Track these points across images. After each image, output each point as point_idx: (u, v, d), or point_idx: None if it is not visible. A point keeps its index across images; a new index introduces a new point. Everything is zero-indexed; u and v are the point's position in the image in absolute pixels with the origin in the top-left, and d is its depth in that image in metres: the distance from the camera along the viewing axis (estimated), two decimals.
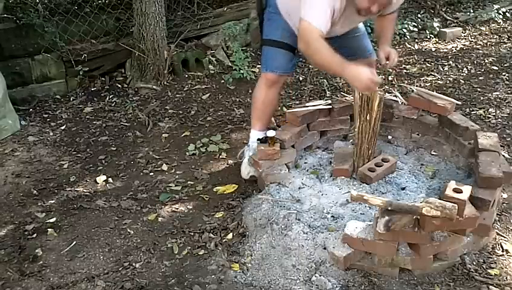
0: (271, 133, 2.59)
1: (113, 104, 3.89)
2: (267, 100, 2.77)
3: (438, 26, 5.45)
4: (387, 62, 2.59)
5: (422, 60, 4.71)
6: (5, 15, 3.79)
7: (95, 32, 4.14)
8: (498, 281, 2.04)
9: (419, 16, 5.74)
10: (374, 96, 2.41)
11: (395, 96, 2.90)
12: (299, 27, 2.35)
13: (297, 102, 3.73)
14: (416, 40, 5.30)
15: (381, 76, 4.26)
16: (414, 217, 1.98)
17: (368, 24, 5.29)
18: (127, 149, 3.24)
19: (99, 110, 3.80)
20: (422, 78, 4.26)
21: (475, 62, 4.61)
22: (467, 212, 1.99)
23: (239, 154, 3.00)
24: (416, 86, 3.97)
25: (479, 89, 4.00)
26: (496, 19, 5.79)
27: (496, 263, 2.15)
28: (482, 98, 3.83)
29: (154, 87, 4.11)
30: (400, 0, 2.58)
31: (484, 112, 3.58)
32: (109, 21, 4.22)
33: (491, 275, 2.08)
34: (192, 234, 2.39)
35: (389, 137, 2.93)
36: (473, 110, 3.60)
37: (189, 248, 2.30)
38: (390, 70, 4.32)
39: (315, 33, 2.28)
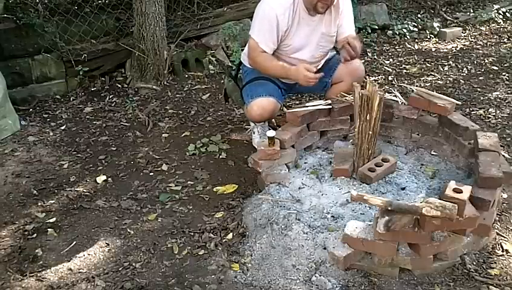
0: (271, 133, 2.59)
1: (113, 104, 3.89)
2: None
3: (438, 26, 5.45)
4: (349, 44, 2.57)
5: (422, 60, 4.71)
6: (5, 15, 3.79)
7: (95, 32, 4.14)
8: (498, 281, 2.04)
9: (419, 16, 5.75)
10: (374, 96, 2.41)
11: (395, 96, 2.91)
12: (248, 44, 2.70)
13: (297, 102, 3.72)
14: (416, 40, 5.30)
15: (380, 76, 4.27)
16: (414, 217, 1.98)
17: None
18: (127, 149, 3.24)
19: (99, 110, 3.80)
20: (422, 78, 4.26)
21: (475, 62, 4.62)
22: (467, 212, 1.98)
23: (247, 132, 3.21)
24: (416, 86, 3.97)
25: (479, 89, 4.00)
26: (496, 19, 5.80)
27: (496, 263, 2.15)
28: (482, 98, 3.83)
29: (154, 87, 4.11)
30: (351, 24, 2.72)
31: (484, 112, 3.58)
32: (109, 21, 4.22)
33: (491, 275, 2.08)
34: (192, 234, 2.39)
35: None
36: (473, 110, 3.60)
37: (189, 248, 2.30)
38: (390, 70, 4.32)
39: (258, 50, 2.62)
